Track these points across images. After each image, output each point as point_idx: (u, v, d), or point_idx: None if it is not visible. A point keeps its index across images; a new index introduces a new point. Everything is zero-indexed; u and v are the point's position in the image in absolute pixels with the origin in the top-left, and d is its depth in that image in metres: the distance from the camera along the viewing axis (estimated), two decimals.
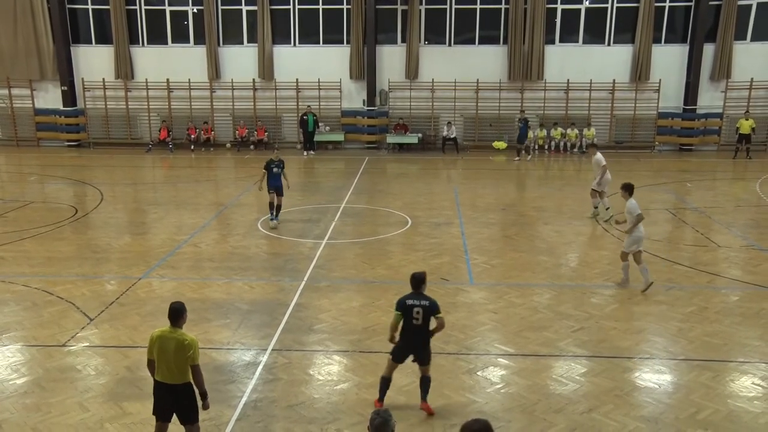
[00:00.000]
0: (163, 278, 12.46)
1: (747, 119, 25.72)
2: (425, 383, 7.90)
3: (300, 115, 27.58)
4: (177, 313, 6.61)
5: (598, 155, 16.80)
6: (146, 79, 28.32)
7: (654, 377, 8.76)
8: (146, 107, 28.66)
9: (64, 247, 14.44)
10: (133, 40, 28.42)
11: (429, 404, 7.87)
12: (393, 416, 5.00)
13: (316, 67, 27.85)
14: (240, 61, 28.21)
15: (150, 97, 28.49)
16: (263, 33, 27.66)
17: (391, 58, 27.98)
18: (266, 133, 28.24)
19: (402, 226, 16.10)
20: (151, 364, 6.69)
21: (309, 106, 27.52)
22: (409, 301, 7.71)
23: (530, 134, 26.89)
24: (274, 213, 15.93)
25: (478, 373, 8.84)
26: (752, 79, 26.96)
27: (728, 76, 27.08)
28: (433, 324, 7.71)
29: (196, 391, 6.64)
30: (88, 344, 9.68)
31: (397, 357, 7.91)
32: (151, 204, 18.98)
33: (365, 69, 27.83)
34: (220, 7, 27.97)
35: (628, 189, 11.98)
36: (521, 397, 8.20)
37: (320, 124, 27.79)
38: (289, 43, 28.22)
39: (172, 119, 28.53)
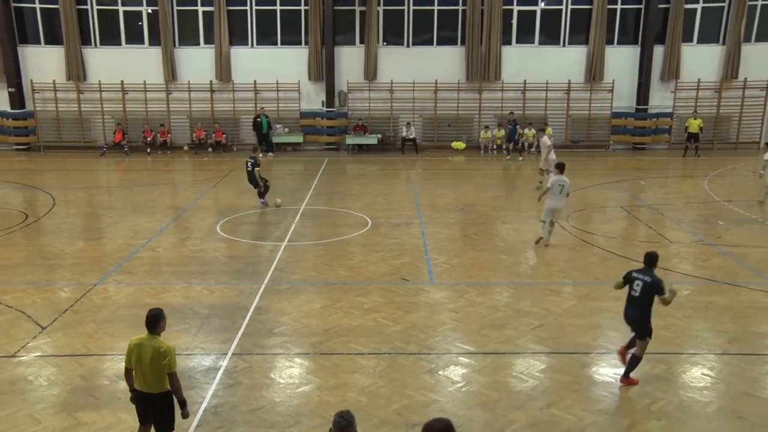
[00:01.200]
0: (119, 284, 12.23)
1: (695, 119, 26.46)
2: (632, 361, 8.38)
3: (254, 117, 27.36)
4: (154, 320, 6.53)
5: (545, 137, 19.86)
6: (99, 81, 27.76)
7: (611, 371, 8.92)
8: (100, 109, 28.10)
9: (13, 254, 14.05)
10: (85, 40, 27.82)
11: (630, 378, 8.43)
12: (355, 418, 5.00)
13: (274, 69, 27.69)
14: (197, 62, 27.86)
15: (104, 99, 27.95)
16: (220, 34, 27.38)
17: (349, 59, 27.97)
18: (224, 135, 27.95)
19: (362, 227, 16.11)
20: (128, 373, 6.59)
21: (262, 107, 27.35)
22: (635, 274, 8.45)
23: (488, 134, 27.25)
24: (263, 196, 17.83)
25: (440, 372, 8.90)
26: (699, 79, 27.73)
27: (677, 77, 27.82)
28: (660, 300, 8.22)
29: (174, 399, 6.56)
30: (39, 354, 9.42)
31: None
32: (106, 208, 18.62)
33: (324, 70, 27.77)
34: (175, 8, 27.59)
35: (558, 167, 14.39)
36: (482, 395, 8.28)
37: (278, 125, 27.62)
38: (247, 44, 27.99)
39: (127, 122, 28.00)
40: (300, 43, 28.00)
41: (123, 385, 8.42)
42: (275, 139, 27.48)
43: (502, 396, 8.25)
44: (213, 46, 27.66)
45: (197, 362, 9.18)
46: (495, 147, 27.71)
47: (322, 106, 28.12)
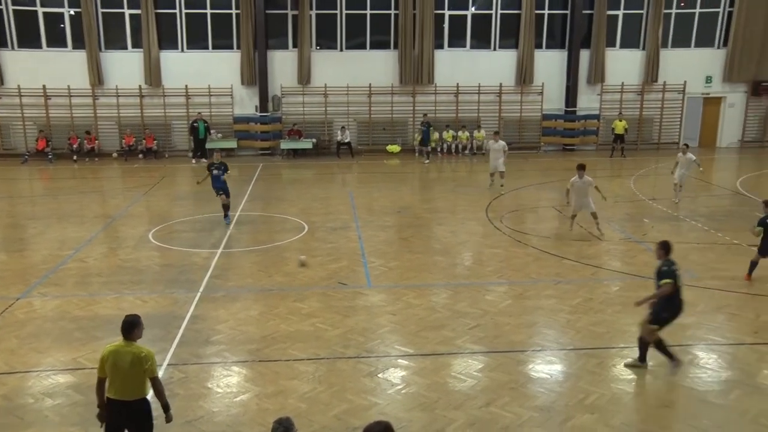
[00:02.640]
0: (45, 297, 11.77)
1: (620, 120, 27.48)
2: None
3: (190, 122, 26.85)
4: (131, 326, 6.37)
5: (502, 141, 20.66)
6: (18, 86, 26.59)
7: (546, 368, 9.14)
8: (20, 115, 26.95)
9: None
10: (2, 43, 26.65)
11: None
12: (294, 424, 4.96)
13: (206, 73, 27.23)
14: (124, 66, 27.11)
15: (24, 105, 26.85)
16: (149, 38, 26.72)
17: (282, 64, 27.77)
18: (155, 142, 27.30)
19: (298, 232, 16.00)
20: (101, 383, 6.38)
21: (200, 112, 26.87)
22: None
23: (435, 136, 27.56)
24: (226, 213, 16.74)
25: (379, 375, 8.91)
26: (623, 83, 28.79)
27: (602, 80, 28.77)
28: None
29: (152, 406, 6.41)
30: None
31: None
32: (29, 218, 17.90)
33: (257, 74, 27.48)
34: (99, 10, 26.75)
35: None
36: (421, 396, 8.34)
37: (212, 131, 27.17)
38: (177, 49, 27.43)
39: (51, 128, 27.01)
40: (232, 48, 27.64)
41: (50, 402, 8.16)
42: (208, 145, 26.97)
43: (441, 396, 8.33)
44: (141, 50, 26.97)
45: None
46: (429, 150, 27.97)
47: (256, 110, 27.82)
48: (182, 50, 27.46)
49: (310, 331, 10.26)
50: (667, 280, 8.47)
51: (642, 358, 8.94)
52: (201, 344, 9.82)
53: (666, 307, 8.60)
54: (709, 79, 29.43)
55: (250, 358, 9.40)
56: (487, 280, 12.66)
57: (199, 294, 11.83)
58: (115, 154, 27.38)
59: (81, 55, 26.75)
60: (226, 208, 16.71)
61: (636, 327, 10.34)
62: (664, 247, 8.77)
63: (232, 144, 27.67)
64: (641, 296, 9.09)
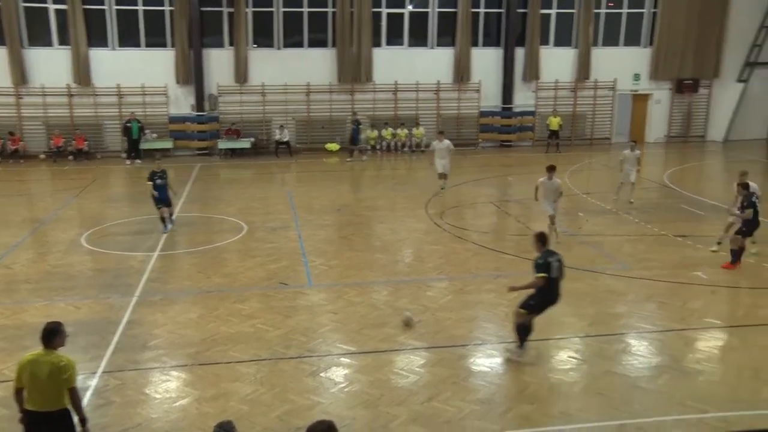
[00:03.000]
0: None
1: (555, 116, 28.19)
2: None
3: (123, 122, 26.14)
4: (51, 334, 6.16)
5: (447, 141, 20.00)
6: None
7: (487, 361, 9.30)
8: None
9: None
10: None
11: None
12: (236, 427, 4.92)
13: (139, 72, 26.53)
14: (51, 64, 26.12)
15: None
16: (76, 34, 25.80)
17: (219, 62, 27.31)
18: (86, 142, 26.46)
19: (238, 232, 15.81)
20: (17, 393, 6.12)
21: (133, 112, 26.17)
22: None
23: (361, 135, 27.55)
24: (166, 224, 15.69)
25: (321, 374, 8.90)
26: (557, 80, 29.49)
27: (537, 78, 29.38)
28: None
29: (74, 417, 6.17)
30: None
31: None
32: None
33: (192, 73, 26.94)
34: (21, 4, 25.59)
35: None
36: (364, 394, 8.37)
37: (146, 131, 26.52)
38: (107, 46, 26.63)
39: None
40: (166, 45, 27.02)
41: None
42: (143, 145, 26.31)
43: (384, 393, 8.38)
44: (69, 47, 26.06)
45: None
46: (369, 147, 28.04)
47: (192, 110, 27.30)
48: (113, 48, 26.68)
49: (250, 332, 10.16)
50: (541, 274, 8.78)
51: (521, 344, 9.21)
52: (138, 350, 9.60)
53: (535, 296, 8.94)
54: (636, 77, 30.44)
55: (189, 361, 9.25)
56: (428, 277, 12.79)
57: (135, 298, 11.56)
58: (42, 156, 26.40)
59: (2, 52, 25.61)
60: (171, 215, 16.06)
61: (572, 318, 10.65)
62: (541, 240, 9.18)
63: (168, 144, 27.08)
64: (517, 283, 9.38)
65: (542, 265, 8.84)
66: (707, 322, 10.48)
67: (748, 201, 12.76)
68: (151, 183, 15.54)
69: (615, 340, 9.84)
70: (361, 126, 27.01)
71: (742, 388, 8.44)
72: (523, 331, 9.12)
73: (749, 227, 12.88)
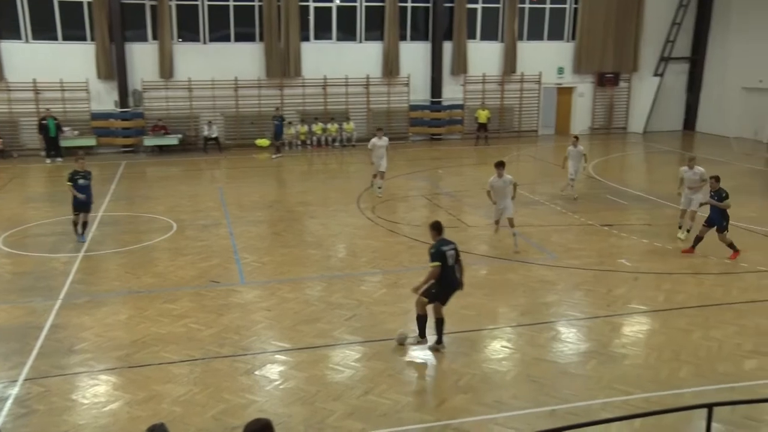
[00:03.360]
0: None
1: (483, 110, 28.70)
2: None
3: (39, 119, 25.03)
4: None
5: (385, 138, 18.87)
6: None
7: (421, 354, 9.39)
8: None
9: None
10: None
11: None
12: (168, 430, 4.81)
13: (56, 66, 25.47)
14: None
15: None
16: None
17: (142, 57, 26.53)
18: (1, 141, 25.25)
19: (167, 230, 15.44)
20: None
21: (48, 109, 25.08)
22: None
23: (291, 130, 27.35)
24: (80, 230, 14.46)
25: (256, 372, 8.81)
26: (484, 74, 30.00)
27: (465, 71, 29.81)
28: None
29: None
30: None
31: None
32: None
33: (115, 68, 26.08)
34: None
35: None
36: (300, 390, 8.33)
37: (67, 128, 25.51)
38: (20, 39, 25.43)
39: None
40: (85, 39, 26.05)
41: None
42: (63, 143, 25.30)
43: (320, 389, 8.36)
44: None
45: None
46: (299, 143, 27.84)
47: (116, 106, 26.43)
48: (27, 41, 25.50)
49: (182, 332, 9.96)
50: (435, 263, 9.05)
51: (422, 334, 9.44)
52: (63, 354, 9.27)
53: (435, 285, 9.20)
54: (560, 71, 31.29)
55: (119, 364, 8.99)
56: (361, 271, 12.82)
57: (59, 301, 11.15)
58: None
59: None
60: (85, 225, 14.61)
61: (504, 308, 10.89)
62: (435, 228, 9.47)
63: (91, 141, 26.13)
64: (417, 282, 9.49)
65: (435, 254, 9.11)
66: (631, 308, 10.91)
67: (725, 192, 12.96)
68: (71, 183, 14.25)
69: (545, 329, 10.11)
70: (284, 122, 26.77)
71: (663, 369, 8.82)
72: (421, 322, 9.37)
73: (725, 219, 13.09)
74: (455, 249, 9.28)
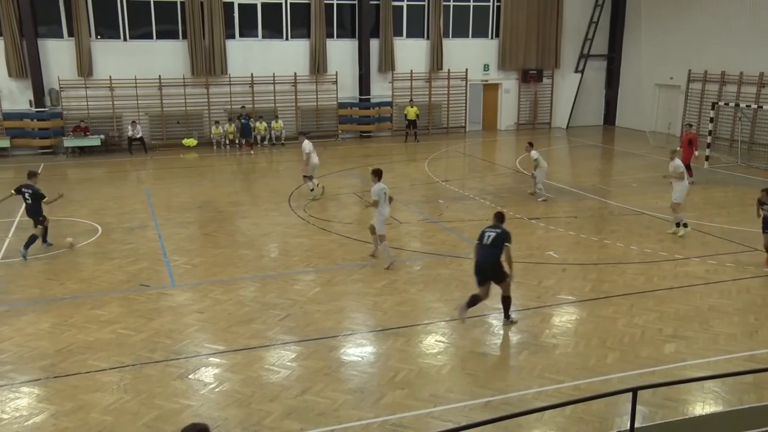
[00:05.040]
0: None
1: (412, 107, 28.89)
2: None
3: None
4: None
5: (307, 142, 18.30)
6: None
7: (357, 351, 9.43)
8: None
9: None
10: None
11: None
12: None
13: None
14: None
15: None
16: None
17: (58, 54, 25.51)
18: None
19: (91, 234, 14.92)
20: None
21: None
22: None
23: (219, 129, 26.92)
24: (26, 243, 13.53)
25: (190, 376, 8.64)
26: (412, 71, 30.25)
27: (393, 68, 29.98)
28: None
29: None
30: None
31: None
32: None
33: (27, 66, 24.97)
34: None
35: (376, 174, 12.96)
36: (236, 393, 8.22)
37: None
38: None
39: None
40: None
41: None
42: None
43: (256, 390, 8.28)
44: None
45: None
46: (228, 142, 27.39)
47: (31, 106, 25.32)
48: None
49: (111, 338, 9.67)
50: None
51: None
52: None
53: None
54: (486, 67, 31.89)
55: (42, 375, 8.64)
56: (294, 270, 12.74)
57: None
58: None
59: None
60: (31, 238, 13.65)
61: (438, 303, 11.02)
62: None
63: (5, 143, 24.95)
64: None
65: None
66: (560, 299, 11.24)
67: None
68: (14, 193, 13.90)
69: (479, 322, 10.30)
70: (251, 118, 26.89)
71: (591, 356, 9.14)
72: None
73: None
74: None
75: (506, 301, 10.09)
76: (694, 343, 9.50)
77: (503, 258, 9.70)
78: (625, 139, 29.26)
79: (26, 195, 13.79)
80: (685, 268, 12.58)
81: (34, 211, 13.75)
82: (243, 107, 27.32)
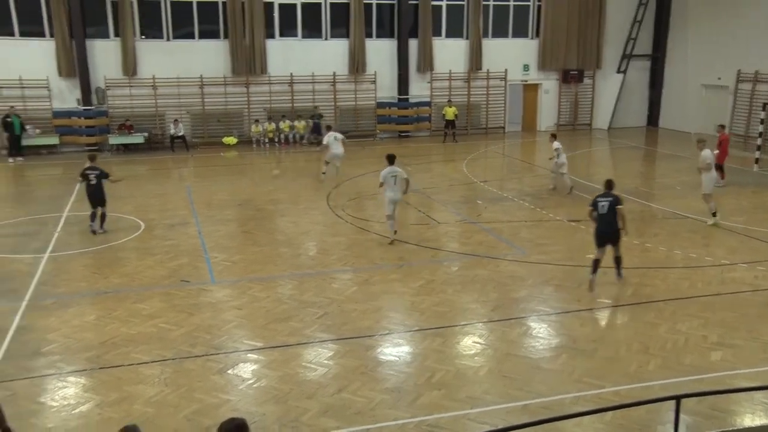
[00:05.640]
0: None
1: (450, 107, 28.77)
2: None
3: (2, 117, 24.41)
4: None
5: (329, 134, 20.29)
6: None
7: (394, 350, 9.44)
8: None
9: None
10: None
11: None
12: (141, 430, 4.77)
13: (15, 63, 24.84)
14: None
15: None
16: None
17: (105, 54, 26.07)
18: None
19: (135, 230, 15.22)
20: None
21: (12, 106, 24.48)
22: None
23: (259, 128, 27.20)
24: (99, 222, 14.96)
25: (229, 371, 8.76)
26: (450, 71, 30.14)
27: (431, 68, 29.91)
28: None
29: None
30: None
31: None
32: None
33: (76, 65, 25.57)
34: None
35: (388, 158, 14.42)
36: (273, 389, 8.30)
37: (28, 126, 24.96)
38: None
39: None
40: (44, 35, 25.48)
41: None
42: (25, 142, 24.74)
43: (293, 387, 8.34)
44: None
45: None
46: (267, 140, 27.66)
47: (78, 104, 25.94)
48: None
49: (153, 332, 9.85)
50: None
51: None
52: (30, 357, 9.09)
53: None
54: (526, 68, 31.60)
55: (88, 366, 8.85)
56: (332, 269, 12.80)
57: (24, 303, 10.93)
58: None
59: None
60: (103, 217, 15.02)
61: (475, 304, 10.97)
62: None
63: (54, 140, 25.62)
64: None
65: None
66: (600, 302, 11.08)
67: None
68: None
69: (516, 324, 10.22)
70: (322, 119, 27.05)
71: (632, 362, 8.98)
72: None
73: None
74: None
75: (618, 261, 11.52)
76: (742, 352, 9.25)
77: (619, 221, 11.14)
78: (669, 141, 28.70)
79: (91, 177, 14.76)
80: (732, 274, 12.28)
81: (98, 192, 14.79)
82: (316, 107, 27.64)
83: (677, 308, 10.73)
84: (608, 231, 11.23)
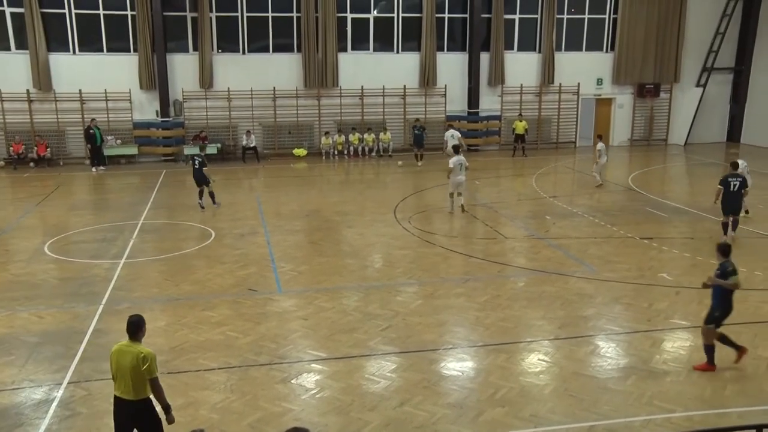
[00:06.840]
0: None
1: (520, 121, 28.41)
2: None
3: (85, 128, 25.62)
4: (135, 326, 6.58)
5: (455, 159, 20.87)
6: None
7: (457, 365, 9.33)
8: None
9: None
10: None
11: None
12: None
13: (101, 77, 26.05)
14: (8, 69, 25.43)
15: None
16: (35, 39, 25.18)
17: (183, 67, 27.03)
18: (48, 149, 25.92)
19: (205, 239, 15.64)
20: (114, 379, 6.60)
21: (93, 118, 25.63)
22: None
23: (329, 140, 27.57)
24: (201, 198, 18.64)
25: (293, 381, 8.85)
26: (522, 84, 29.81)
27: (503, 82, 29.67)
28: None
29: (157, 407, 6.48)
30: None
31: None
32: None
33: (156, 78, 26.61)
34: None
35: (454, 149, 18.41)
36: (336, 400, 8.34)
37: (110, 137, 26.09)
38: (68, 51, 26.12)
39: None
40: (128, 50, 26.63)
41: None
42: (107, 152, 25.90)
43: (356, 399, 8.35)
44: (27, 51, 25.49)
45: (26, 396, 8.44)
46: (336, 153, 28.00)
47: (157, 116, 26.95)
48: (73, 52, 26.19)
49: (220, 339, 10.06)
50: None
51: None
52: (105, 359, 9.30)
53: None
54: (599, 81, 30.94)
55: (158, 370, 9.08)
56: (398, 281, 12.79)
57: (101, 307, 11.36)
58: (1, 163, 25.81)
59: None
60: (212, 195, 18.63)
61: (542, 321, 10.76)
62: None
63: (133, 150, 26.70)
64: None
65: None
66: (673, 323, 10.67)
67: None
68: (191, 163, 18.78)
69: (584, 342, 9.96)
70: (425, 130, 27.05)
71: (706, 386, 8.60)
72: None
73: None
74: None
75: (736, 223, 14.80)
76: None
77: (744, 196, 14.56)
78: (752, 157, 27.34)
79: (196, 162, 18.49)
80: None
81: (201, 176, 18.42)
82: (417, 120, 27.59)
83: (758, 332, 10.21)
84: (737, 205, 14.48)
